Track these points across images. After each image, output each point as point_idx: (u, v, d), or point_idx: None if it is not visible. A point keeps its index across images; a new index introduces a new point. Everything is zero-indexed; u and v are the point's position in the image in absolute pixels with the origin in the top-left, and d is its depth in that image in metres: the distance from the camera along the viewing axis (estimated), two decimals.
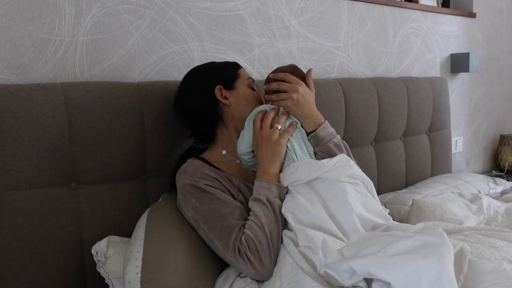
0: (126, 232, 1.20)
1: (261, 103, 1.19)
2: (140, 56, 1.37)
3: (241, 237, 0.97)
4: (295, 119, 1.13)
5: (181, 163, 1.14)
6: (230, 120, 1.17)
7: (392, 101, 1.90)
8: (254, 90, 1.21)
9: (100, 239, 1.15)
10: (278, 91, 1.13)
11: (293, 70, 1.18)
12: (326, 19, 1.84)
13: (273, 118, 1.11)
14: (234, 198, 1.06)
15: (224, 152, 1.17)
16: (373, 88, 1.83)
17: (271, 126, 1.09)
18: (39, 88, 1.11)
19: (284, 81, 1.13)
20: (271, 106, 1.14)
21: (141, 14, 1.36)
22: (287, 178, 1.05)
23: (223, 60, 1.53)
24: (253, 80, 1.22)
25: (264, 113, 1.11)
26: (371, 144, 1.87)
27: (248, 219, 1.00)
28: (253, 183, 1.08)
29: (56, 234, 1.13)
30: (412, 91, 1.99)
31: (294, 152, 1.08)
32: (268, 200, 1.00)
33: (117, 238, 1.17)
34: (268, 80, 1.18)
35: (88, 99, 1.16)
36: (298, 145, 1.10)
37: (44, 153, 1.11)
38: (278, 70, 1.19)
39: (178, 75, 1.45)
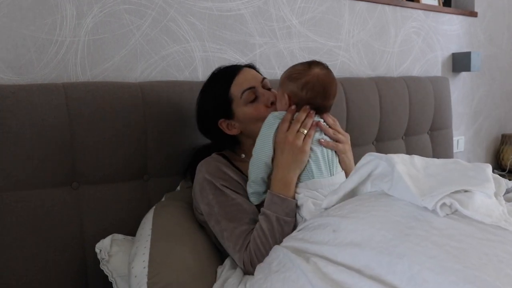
0: (128, 232, 1.20)
1: (262, 112, 1.11)
2: (142, 56, 1.37)
3: (247, 245, 0.98)
4: (318, 119, 1.05)
5: (201, 152, 1.19)
6: (245, 137, 1.17)
7: (394, 100, 1.89)
8: (255, 98, 1.12)
9: (102, 239, 1.15)
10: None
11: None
12: (327, 19, 1.84)
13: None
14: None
15: (243, 156, 1.18)
16: (375, 87, 1.83)
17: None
18: (40, 88, 1.11)
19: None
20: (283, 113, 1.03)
21: (142, 14, 1.36)
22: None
23: (225, 60, 1.53)
24: (253, 87, 1.11)
25: (293, 113, 1.02)
26: (372, 143, 1.87)
27: (254, 230, 0.99)
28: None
29: (57, 234, 1.13)
30: (413, 91, 1.98)
31: (317, 166, 1.00)
32: (277, 218, 0.97)
33: (120, 236, 1.18)
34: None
35: (90, 99, 1.16)
36: (323, 160, 1.01)
37: (45, 153, 1.11)
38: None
39: (179, 75, 1.45)
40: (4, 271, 1.07)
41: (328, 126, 1.05)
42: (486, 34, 2.63)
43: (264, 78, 1.16)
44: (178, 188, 1.32)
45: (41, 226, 1.11)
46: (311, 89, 1.01)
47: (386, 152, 2.01)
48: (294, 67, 1.06)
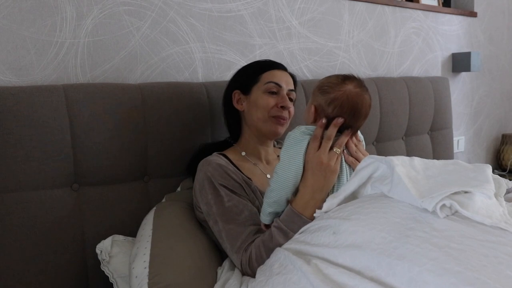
0: (128, 233, 1.20)
1: (269, 107, 1.15)
2: (141, 57, 1.37)
3: (248, 247, 0.98)
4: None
5: (203, 151, 1.23)
6: (246, 124, 1.22)
7: (394, 101, 1.89)
8: (274, 93, 1.17)
9: (102, 240, 1.15)
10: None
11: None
12: (327, 20, 1.84)
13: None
14: (252, 203, 1.08)
15: (243, 153, 1.21)
16: (375, 88, 1.83)
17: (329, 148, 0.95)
18: (40, 90, 1.11)
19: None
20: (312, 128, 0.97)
21: (142, 15, 1.36)
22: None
23: (225, 61, 1.54)
24: (279, 85, 1.17)
25: (323, 129, 0.95)
26: (373, 144, 1.87)
27: (264, 236, 0.97)
28: None
29: (58, 235, 1.13)
30: (413, 91, 1.98)
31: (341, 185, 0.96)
32: (291, 235, 0.93)
33: (121, 237, 1.18)
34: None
35: (90, 100, 1.16)
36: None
37: (45, 155, 1.11)
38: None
39: (179, 76, 1.45)
40: (4, 272, 1.07)
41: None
42: (486, 34, 2.63)
43: (293, 90, 1.22)
44: (179, 189, 1.32)
45: (41, 227, 1.11)
46: (339, 106, 0.94)
47: (386, 153, 2.01)
48: (328, 78, 1.00)
